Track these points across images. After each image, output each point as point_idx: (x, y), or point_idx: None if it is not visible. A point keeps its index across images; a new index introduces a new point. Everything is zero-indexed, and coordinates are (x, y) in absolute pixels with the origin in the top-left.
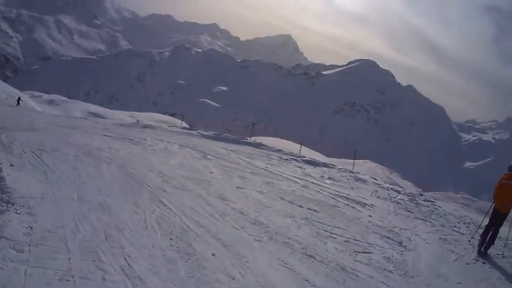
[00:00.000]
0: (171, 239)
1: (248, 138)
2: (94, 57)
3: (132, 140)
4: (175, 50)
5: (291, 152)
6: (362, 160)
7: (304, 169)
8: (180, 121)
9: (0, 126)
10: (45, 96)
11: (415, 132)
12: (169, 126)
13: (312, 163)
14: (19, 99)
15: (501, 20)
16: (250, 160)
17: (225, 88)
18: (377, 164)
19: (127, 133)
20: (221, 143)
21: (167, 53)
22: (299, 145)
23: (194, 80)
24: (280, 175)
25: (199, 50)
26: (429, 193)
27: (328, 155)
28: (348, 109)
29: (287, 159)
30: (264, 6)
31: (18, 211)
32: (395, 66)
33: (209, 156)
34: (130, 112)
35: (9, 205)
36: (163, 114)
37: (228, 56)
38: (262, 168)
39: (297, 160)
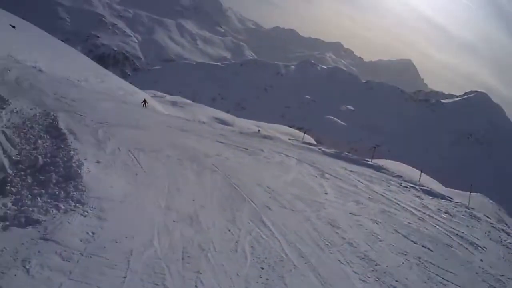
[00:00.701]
0: (262, 268)
1: (370, 160)
2: (219, 63)
3: (246, 149)
4: (301, 64)
5: (411, 179)
6: (474, 193)
7: (422, 199)
8: (303, 134)
9: (102, 120)
10: (168, 97)
11: None
12: (290, 139)
13: (431, 193)
14: (144, 101)
15: None
16: (369, 183)
17: (351, 108)
18: (488, 199)
19: (243, 142)
20: (342, 162)
21: (293, 66)
22: (419, 172)
23: (320, 96)
24: (397, 203)
25: (325, 67)
26: None
27: (443, 184)
28: (465, 140)
29: (406, 187)
30: (385, 29)
31: (86, 213)
32: (504, 101)
33: (326, 175)
34: (256, 122)
35: (78, 205)
36: (290, 127)
37: (353, 76)
38: (380, 194)
39: (416, 189)
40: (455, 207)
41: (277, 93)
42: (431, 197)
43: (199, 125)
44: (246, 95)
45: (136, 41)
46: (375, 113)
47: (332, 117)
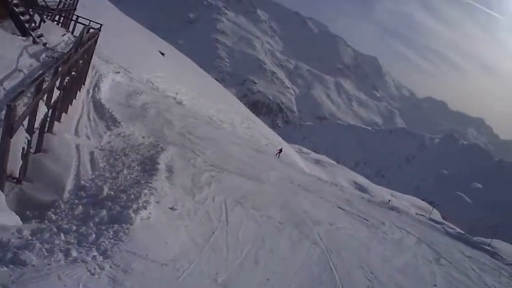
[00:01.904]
0: None
1: (488, 245)
2: (369, 128)
3: (366, 220)
4: (445, 138)
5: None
6: None
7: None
8: (432, 208)
9: (217, 164)
10: (313, 155)
11: None
12: (417, 214)
13: None
14: (280, 150)
15: None
16: (481, 272)
17: (479, 186)
18: None
19: (367, 211)
20: (461, 245)
21: (437, 139)
22: None
23: (455, 172)
24: None
25: (465, 143)
26: None
27: None
28: None
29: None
30: None
31: (98, 270)
32: None
33: (442, 260)
34: (391, 191)
35: (98, 257)
36: (422, 200)
37: (488, 154)
38: (489, 286)
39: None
40: None
41: (418, 165)
42: None
43: (329, 186)
44: (389, 163)
45: (293, 93)
46: (501, 193)
47: (462, 194)
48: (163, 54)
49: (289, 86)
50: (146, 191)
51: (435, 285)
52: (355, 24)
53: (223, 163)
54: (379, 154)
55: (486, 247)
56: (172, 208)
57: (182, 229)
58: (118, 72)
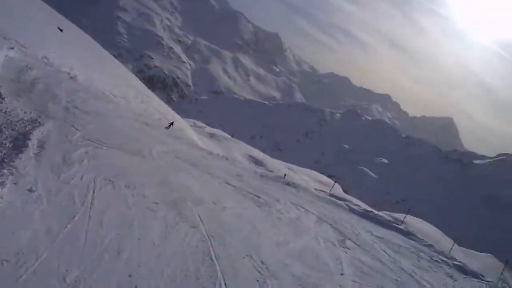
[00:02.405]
0: None
1: (400, 223)
2: (267, 102)
3: (258, 197)
4: (347, 113)
5: (442, 251)
6: (486, 254)
7: (455, 280)
8: (333, 183)
9: (97, 139)
10: (208, 129)
11: None
12: (316, 189)
13: (464, 270)
14: (171, 123)
15: None
16: (397, 256)
17: (385, 161)
18: (496, 259)
19: (259, 187)
20: (368, 224)
21: (338, 114)
22: (445, 236)
23: (358, 147)
24: None
25: (369, 118)
26: None
27: (464, 245)
28: (491, 202)
29: (437, 261)
30: (435, 86)
31: None
32: None
33: (347, 242)
34: (289, 164)
35: None
36: (321, 173)
37: (395, 130)
38: (408, 274)
39: (448, 264)
40: None
41: (318, 139)
42: (464, 276)
43: (219, 160)
44: (287, 138)
45: (189, 68)
46: (408, 168)
47: (365, 168)
48: (61, 30)
49: (186, 61)
50: (5, 171)
51: (342, 274)
52: (258, 0)
53: (104, 138)
54: (277, 129)
55: (398, 226)
56: (30, 190)
57: (37, 215)
58: (13, 48)
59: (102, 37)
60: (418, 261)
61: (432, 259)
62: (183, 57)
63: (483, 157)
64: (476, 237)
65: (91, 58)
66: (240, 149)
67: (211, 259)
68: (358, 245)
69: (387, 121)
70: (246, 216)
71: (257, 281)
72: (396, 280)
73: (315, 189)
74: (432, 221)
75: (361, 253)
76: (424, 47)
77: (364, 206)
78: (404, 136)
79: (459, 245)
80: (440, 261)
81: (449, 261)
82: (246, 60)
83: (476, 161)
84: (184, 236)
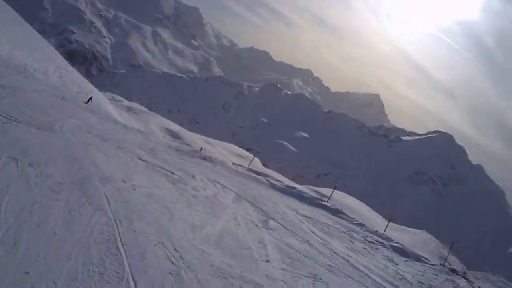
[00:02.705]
0: None
1: (326, 200)
2: (184, 76)
3: (172, 174)
4: (266, 87)
5: (376, 231)
6: (418, 230)
7: (396, 264)
8: (252, 157)
9: (7, 114)
10: (125, 102)
11: (472, 209)
12: (234, 164)
13: (404, 252)
14: (90, 98)
15: None
16: (327, 237)
17: (306, 135)
18: (431, 236)
19: (174, 162)
20: (292, 201)
21: (257, 88)
22: (378, 215)
23: (278, 121)
24: (367, 274)
25: (289, 93)
26: (471, 271)
27: (387, 218)
28: (417, 177)
29: (372, 242)
30: (359, 62)
31: None
32: (469, 143)
33: (271, 223)
34: (206, 138)
35: None
36: (239, 147)
37: (315, 104)
38: (342, 258)
39: (384, 245)
40: (435, 273)
41: (235, 113)
42: (405, 259)
43: (133, 134)
44: (203, 111)
45: (109, 42)
46: (329, 143)
47: (284, 142)
48: None
49: (106, 35)
50: None
51: (267, 261)
52: None
53: (15, 113)
54: (194, 102)
55: (325, 202)
56: None
57: None
58: None
59: (27, 12)
60: (352, 242)
61: (366, 239)
62: (104, 31)
63: (412, 133)
64: (405, 213)
65: (14, 34)
66: (157, 122)
67: (117, 248)
68: (283, 226)
69: (308, 95)
70: (158, 196)
71: (170, 274)
72: (330, 265)
73: (233, 163)
74: (356, 196)
75: (287, 235)
76: (356, 28)
77: (286, 181)
78: (326, 110)
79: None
80: (375, 242)
81: (385, 242)
82: (165, 34)
83: (404, 138)
84: (88, 221)
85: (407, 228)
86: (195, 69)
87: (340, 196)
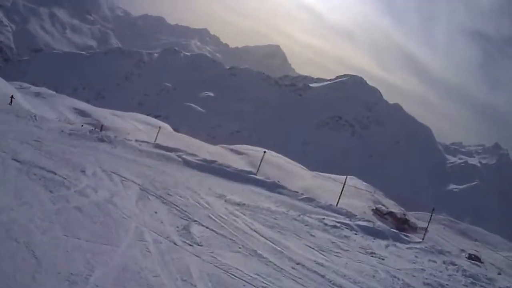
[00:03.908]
0: None
1: (256, 173)
2: (84, 53)
3: (53, 175)
4: (164, 52)
5: (330, 205)
6: (346, 176)
7: (382, 259)
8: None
9: None
10: (32, 88)
11: (399, 150)
12: (137, 141)
13: (374, 231)
14: (12, 96)
15: (488, 47)
16: (279, 237)
17: (211, 94)
18: (361, 181)
19: (61, 154)
20: (215, 180)
21: (156, 54)
22: (308, 170)
23: (181, 84)
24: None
25: (188, 54)
26: (412, 212)
27: (310, 169)
28: (333, 123)
29: (335, 227)
30: (254, 15)
31: None
32: (382, 84)
33: (194, 229)
34: (114, 111)
35: None
36: (147, 115)
37: (216, 62)
38: (316, 273)
39: (351, 227)
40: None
41: (138, 81)
42: (384, 243)
43: (24, 123)
44: (107, 84)
45: (10, 31)
46: (236, 99)
47: (191, 104)
48: None
49: (7, 24)
50: None
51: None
52: None
53: None
54: (97, 77)
55: (256, 177)
56: None
57: None
58: None
59: None
60: (312, 235)
61: (326, 225)
62: (5, 20)
63: (319, 80)
64: (327, 160)
65: None
66: (65, 103)
67: None
68: (214, 231)
69: (208, 54)
70: (20, 225)
71: None
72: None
73: (136, 140)
74: (272, 149)
75: (222, 248)
76: None
77: (202, 155)
78: (228, 67)
79: (313, 170)
80: (338, 225)
81: (348, 221)
82: (61, 14)
83: (312, 85)
84: None
85: (336, 176)
86: (94, 44)
87: (260, 154)
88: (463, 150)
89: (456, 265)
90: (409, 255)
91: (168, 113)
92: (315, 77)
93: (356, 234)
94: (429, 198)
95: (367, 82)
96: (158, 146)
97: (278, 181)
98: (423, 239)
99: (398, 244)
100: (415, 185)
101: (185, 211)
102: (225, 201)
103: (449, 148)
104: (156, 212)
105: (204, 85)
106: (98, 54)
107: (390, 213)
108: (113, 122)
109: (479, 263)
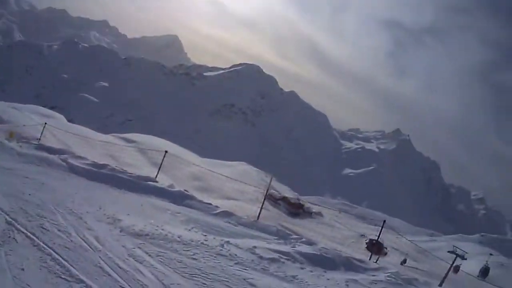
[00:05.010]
0: None
1: (156, 178)
2: None
3: None
4: (64, 44)
5: (253, 221)
6: (237, 162)
7: None
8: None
9: None
10: None
11: (294, 137)
12: (18, 142)
13: (323, 261)
14: None
15: (400, 36)
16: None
17: (106, 84)
18: (251, 166)
19: None
20: (107, 194)
21: (56, 46)
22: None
23: (78, 75)
24: None
25: (87, 46)
26: (305, 197)
27: (202, 156)
28: (226, 111)
29: (274, 260)
30: (154, 6)
31: None
32: (281, 72)
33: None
34: (12, 103)
35: None
36: (43, 106)
37: (113, 53)
38: None
39: (296, 260)
40: None
41: (37, 74)
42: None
43: None
44: (9, 78)
45: None
46: (130, 88)
47: (86, 95)
48: None
49: None
50: None
51: None
52: None
53: None
54: (1, 71)
55: (156, 184)
56: None
57: None
58: None
59: None
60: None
61: (261, 258)
62: None
63: (215, 69)
64: (219, 147)
65: None
66: None
67: None
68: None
69: (105, 45)
70: None
71: None
72: None
73: (18, 142)
74: (165, 138)
75: None
76: None
77: (92, 158)
78: (123, 57)
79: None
80: (276, 257)
81: (288, 248)
82: None
83: (207, 74)
84: None
85: (226, 162)
86: None
87: (150, 141)
88: (360, 136)
89: None
90: None
91: (63, 104)
92: (210, 66)
93: (303, 268)
94: (324, 183)
95: (264, 71)
96: (40, 147)
97: (186, 190)
98: (376, 261)
99: (357, 277)
100: (309, 170)
101: (66, 260)
102: (121, 230)
103: (345, 134)
104: (23, 269)
105: (100, 75)
106: (1, 48)
107: (284, 198)
108: (10, 116)
109: None
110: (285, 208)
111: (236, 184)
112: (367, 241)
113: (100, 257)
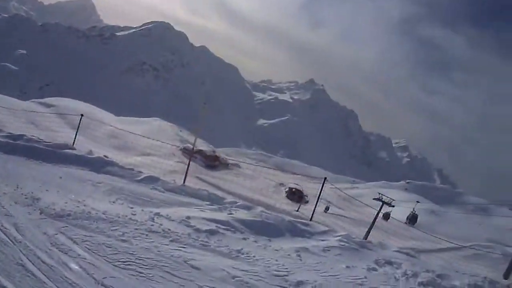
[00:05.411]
0: None
1: (73, 145)
2: None
3: None
4: None
5: (182, 185)
6: (152, 118)
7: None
8: None
9: None
10: None
11: (205, 90)
12: None
13: (266, 229)
14: None
15: None
16: None
17: (24, 52)
18: (165, 122)
19: None
20: (24, 167)
21: None
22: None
23: None
24: None
25: (6, 15)
26: (221, 149)
27: (117, 114)
28: (137, 68)
29: (212, 231)
30: None
31: None
32: (191, 28)
33: None
34: None
35: None
36: None
37: (30, 20)
38: None
39: (237, 229)
40: None
41: None
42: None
43: None
44: None
45: None
46: (47, 54)
47: (6, 64)
48: None
49: None
50: None
51: None
52: None
53: None
54: None
55: (73, 152)
56: None
57: None
58: None
59: None
60: None
61: (211, 224)
62: None
63: (127, 28)
64: (133, 104)
65: None
66: None
67: None
68: None
69: (23, 14)
70: None
71: None
72: None
73: None
74: (81, 97)
75: None
76: None
77: (14, 127)
78: (40, 24)
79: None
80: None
81: (227, 216)
82: None
83: (119, 33)
84: None
85: (140, 118)
86: None
87: (68, 104)
88: (273, 87)
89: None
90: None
91: None
92: (122, 26)
93: (245, 239)
94: (239, 135)
95: (175, 27)
96: None
97: (105, 156)
98: (298, 209)
99: (307, 244)
100: (223, 122)
101: None
102: (41, 212)
103: (258, 86)
104: None
105: (19, 44)
106: None
107: (200, 151)
108: None
109: None
110: (201, 161)
111: (150, 141)
112: (286, 189)
113: (20, 250)
